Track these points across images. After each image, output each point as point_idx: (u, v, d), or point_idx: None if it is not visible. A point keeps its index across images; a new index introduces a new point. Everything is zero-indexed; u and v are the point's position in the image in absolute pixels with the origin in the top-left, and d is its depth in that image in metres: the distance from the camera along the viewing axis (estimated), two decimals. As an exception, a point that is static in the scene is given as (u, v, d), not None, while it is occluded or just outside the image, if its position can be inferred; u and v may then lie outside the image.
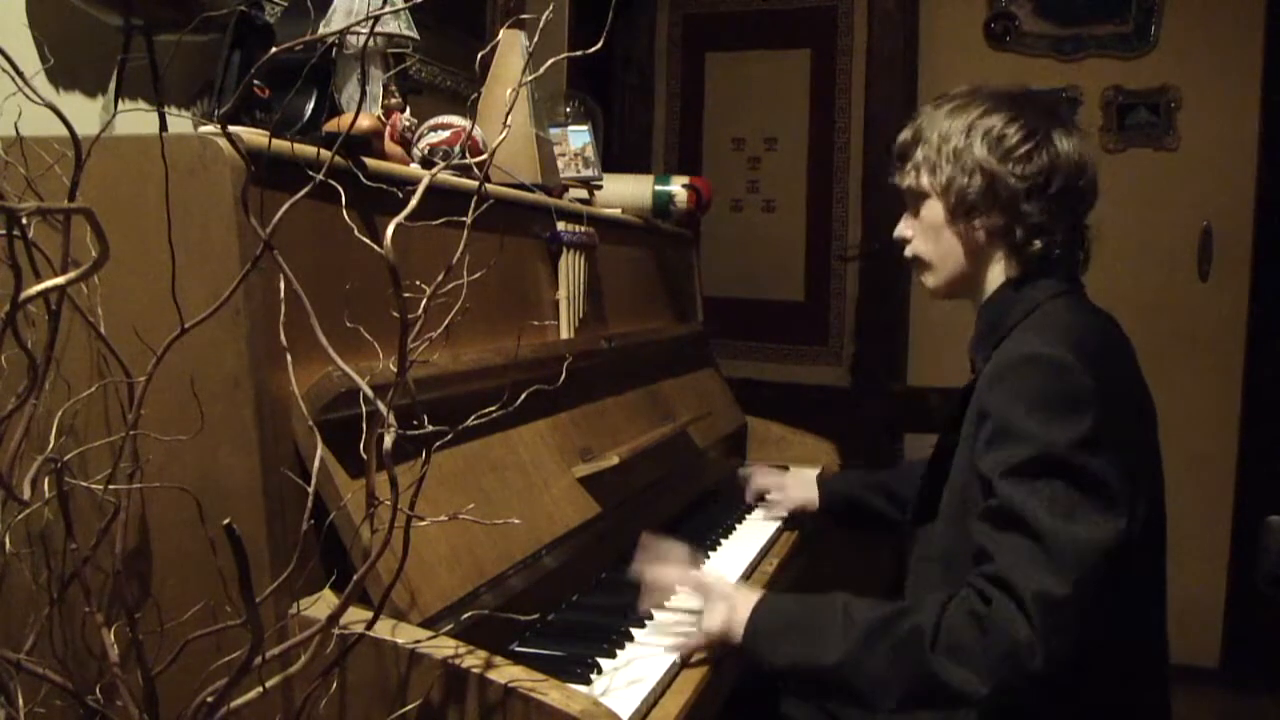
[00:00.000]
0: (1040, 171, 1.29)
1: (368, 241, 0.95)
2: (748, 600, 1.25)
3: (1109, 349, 1.29)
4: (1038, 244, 1.30)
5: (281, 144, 1.00)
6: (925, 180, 1.36)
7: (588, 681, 1.12)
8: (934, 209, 1.36)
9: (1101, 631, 1.14)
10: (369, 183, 1.08)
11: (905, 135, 1.40)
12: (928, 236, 1.38)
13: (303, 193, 0.88)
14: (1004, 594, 1.11)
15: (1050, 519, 1.12)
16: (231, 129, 0.97)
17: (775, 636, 1.21)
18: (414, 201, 0.88)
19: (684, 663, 1.22)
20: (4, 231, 0.83)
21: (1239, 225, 3.08)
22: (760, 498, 1.99)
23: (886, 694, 1.15)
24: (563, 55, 1.05)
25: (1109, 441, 1.16)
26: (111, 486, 0.92)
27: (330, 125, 1.27)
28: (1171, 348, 3.06)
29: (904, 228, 1.43)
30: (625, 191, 2.10)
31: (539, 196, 1.55)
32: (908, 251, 1.42)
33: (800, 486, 1.93)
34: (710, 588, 1.29)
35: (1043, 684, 1.10)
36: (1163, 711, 1.31)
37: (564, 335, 1.63)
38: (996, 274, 1.35)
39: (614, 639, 1.23)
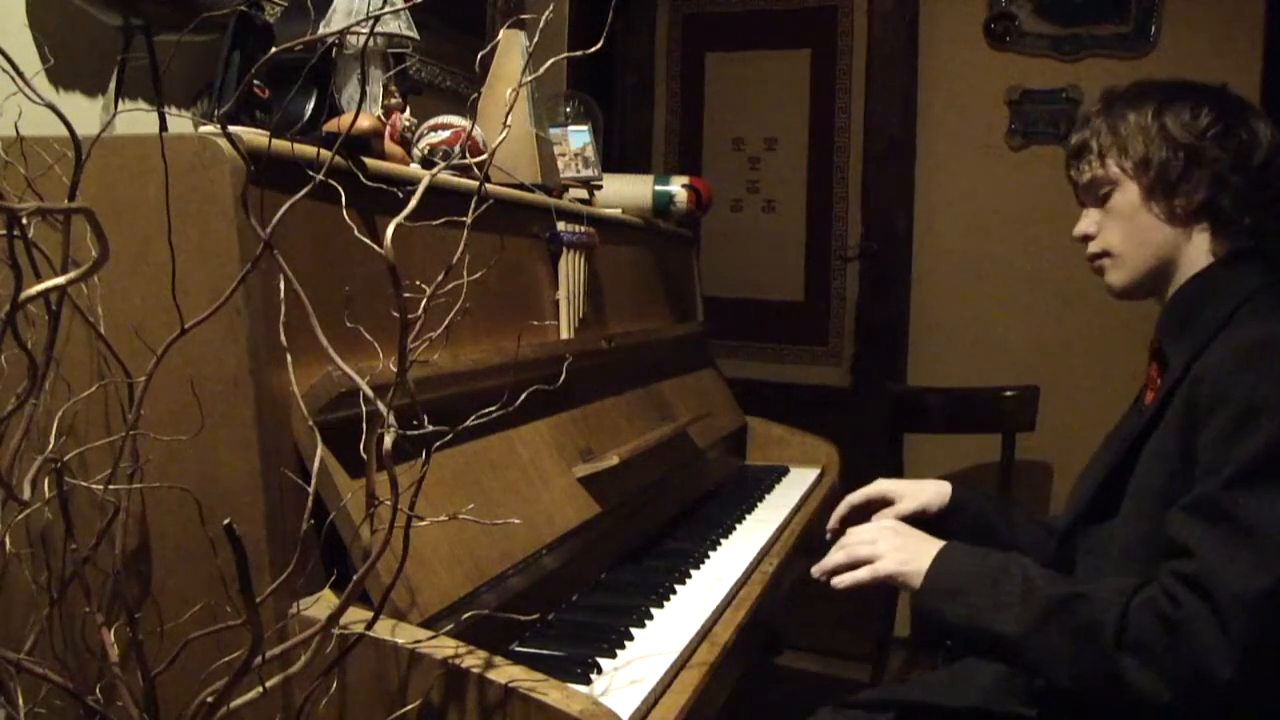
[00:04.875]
0: (1241, 148, 1.24)
1: (368, 241, 0.95)
2: (928, 549, 1.23)
3: None
4: (1247, 219, 1.25)
5: (281, 144, 1.00)
6: (1114, 164, 1.28)
7: (588, 681, 1.11)
8: (1126, 193, 1.28)
9: None
10: (369, 183, 1.08)
11: (1081, 134, 1.32)
12: (1119, 225, 1.29)
13: (303, 193, 0.88)
14: (1196, 597, 1.06)
15: (1269, 515, 1.06)
16: (231, 129, 0.97)
17: (954, 594, 1.19)
18: (414, 201, 0.88)
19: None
20: (4, 231, 0.83)
21: (1239, 225, 3.08)
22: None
23: (1059, 672, 1.13)
24: (563, 55, 1.05)
25: None
26: (111, 486, 0.92)
27: (330, 125, 1.27)
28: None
29: (1086, 224, 1.33)
30: (625, 191, 2.10)
31: (539, 196, 1.55)
32: (1093, 247, 1.33)
33: (921, 489, 1.59)
34: (885, 529, 1.29)
35: (1232, 693, 1.04)
36: None
37: (564, 335, 1.63)
38: (1199, 254, 1.27)
39: (614, 639, 1.23)
